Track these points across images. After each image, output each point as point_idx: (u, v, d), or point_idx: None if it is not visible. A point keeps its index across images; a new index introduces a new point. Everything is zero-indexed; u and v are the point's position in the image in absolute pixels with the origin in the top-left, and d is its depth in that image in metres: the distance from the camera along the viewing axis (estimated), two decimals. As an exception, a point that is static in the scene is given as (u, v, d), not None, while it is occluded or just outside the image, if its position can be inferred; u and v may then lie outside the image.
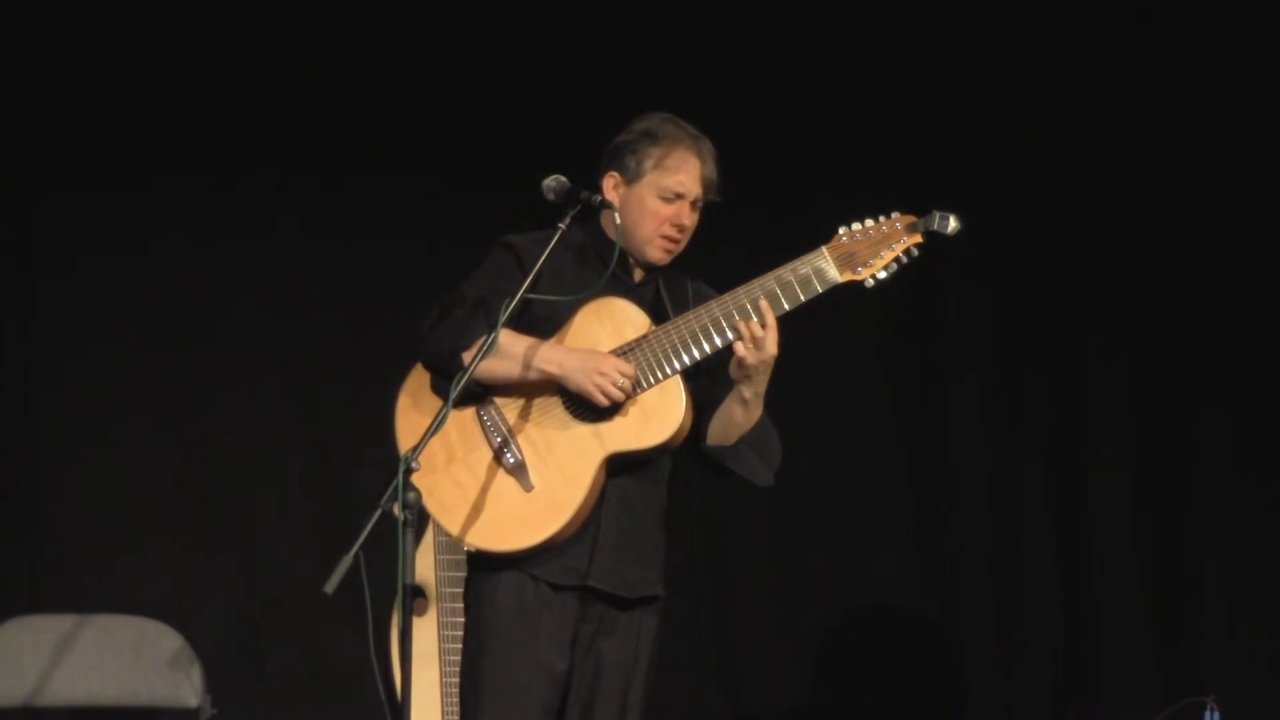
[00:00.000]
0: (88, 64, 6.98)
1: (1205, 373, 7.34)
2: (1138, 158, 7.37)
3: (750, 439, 4.93)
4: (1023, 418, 7.41)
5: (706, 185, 4.94)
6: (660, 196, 4.91)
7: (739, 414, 4.89)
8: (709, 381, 4.92)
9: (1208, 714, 6.27)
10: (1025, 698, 7.34)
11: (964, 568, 7.37)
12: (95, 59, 6.98)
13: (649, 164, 4.91)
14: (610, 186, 4.95)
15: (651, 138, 4.93)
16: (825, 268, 4.85)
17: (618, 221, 4.90)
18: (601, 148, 5.06)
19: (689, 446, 4.97)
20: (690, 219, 4.94)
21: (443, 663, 6.25)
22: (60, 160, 6.97)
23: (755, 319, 4.78)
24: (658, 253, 4.95)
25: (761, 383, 4.84)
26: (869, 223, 4.87)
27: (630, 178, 4.93)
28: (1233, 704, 6.41)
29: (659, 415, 4.82)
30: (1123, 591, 7.32)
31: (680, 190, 4.91)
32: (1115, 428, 7.37)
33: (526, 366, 4.83)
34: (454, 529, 4.87)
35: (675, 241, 4.94)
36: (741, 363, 4.80)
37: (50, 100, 6.98)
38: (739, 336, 4.78)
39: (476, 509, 4.85)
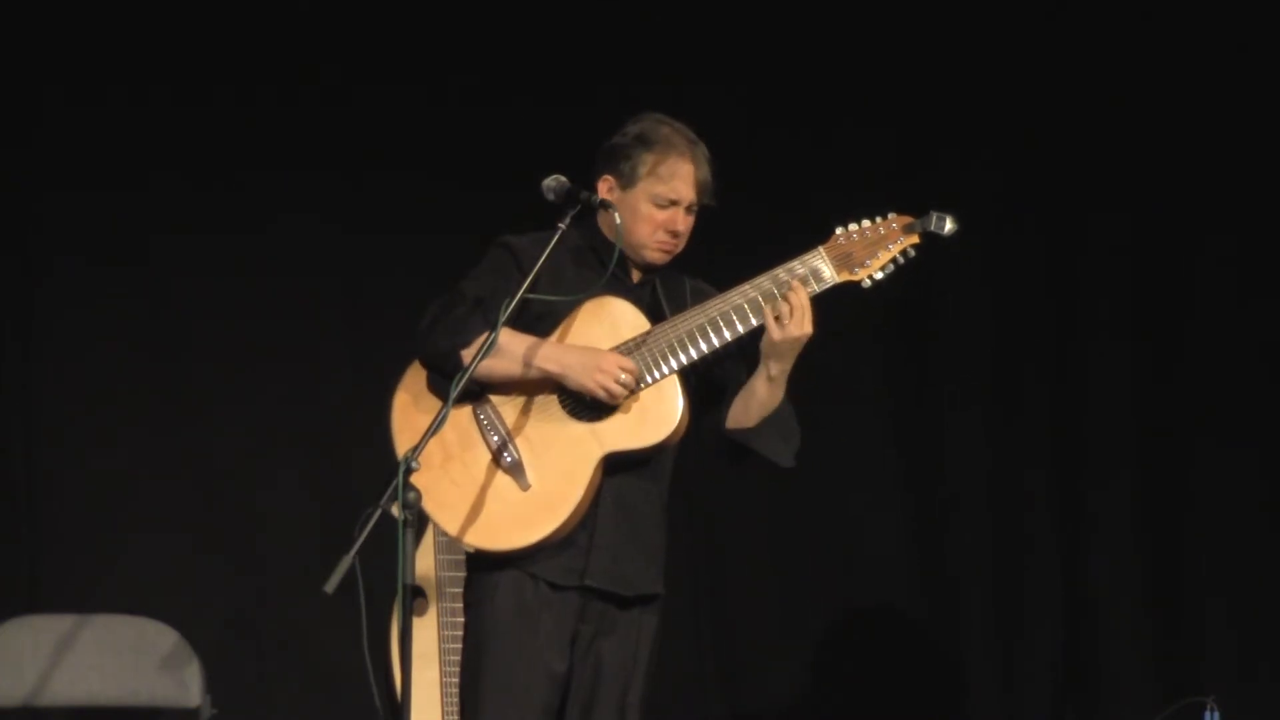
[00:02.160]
0: (88, 65, 6.98)
1: (1205, 372, 7.34)
2: (1138, 158, 7.36)
3: (772, 420, 4.93)
4: (1023, 418, 7.41)
5: (701, 190, 4.93)
6: (654, 203, 4.91)
7: (763, 391, 4.90)
8: (722, 363, 4.92)
9: (1208, 714, 6.27)
10: (1025, 698, 7.34)
11: (964, 568, 7.36)
12: (95, 60, 6.98)
13: (643, 170, 4.91)
14: (605, 189, 4.94)
15: (646, 143, 4.92)
16: (822, 268, 4.86)
17: (617, 221, 4.90)
18: (601, 148, 5.07)
19: (708, 434, 4.98)
20: (684, 223, 4.93)
21: (443, 663, 6.25)
22: (60, 161, 6.97)
23: (785, 301, 4.79)
24: (655, 254, 4.95)
25: (789, 360, 4.85)
26: (866, 223, 4.88)
27: (625, 183, 4.93)
28: (1233, 704, 6.40)
29: (656, 414, 4.82)
30: (1123, 591, 7.32)
31: (674, 197, 4.91)
32: (1115, 428, 7.37)
33: (526, 365, 4.84)
34: (452, 528, 4.87)
35: (671, 246, 4.95)
36: (769, 338, 4.80)
37: (50, 101, 6.98)
38: (775, 315, 4.78)
39: (474, 508, 4.85)
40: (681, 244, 4.96)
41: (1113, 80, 7.31)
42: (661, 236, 4.92)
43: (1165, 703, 6.70)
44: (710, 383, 4.96)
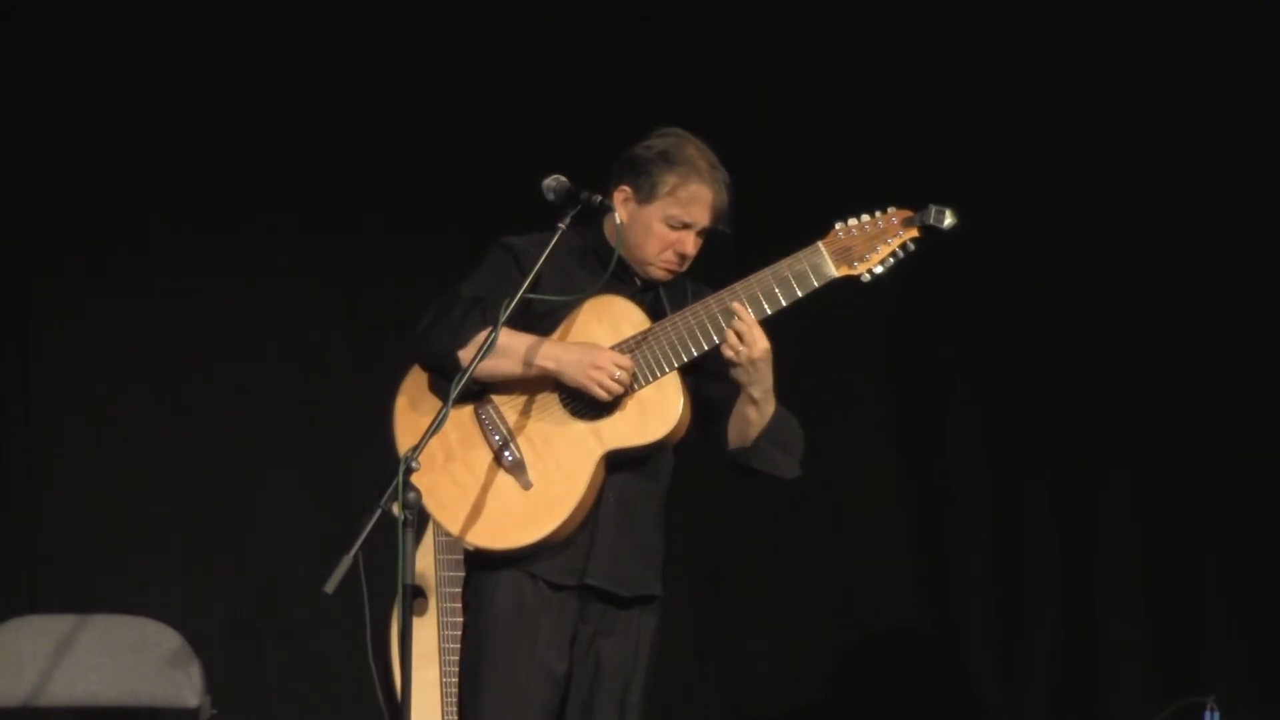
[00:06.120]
0: (87, 64, 6.98)
1: (1206, 373, 7.33)
2: (1137, 158, 7.36)
3: (770, 434, 4.93)
4: (1023, 419, 7.40)
5: (716, 216, 4.93)
6: (668, 223, 4.91)
7: (752, 414, 4.90)
8: (716, 380, 4.92)
9: (1208, 714, 6.26)
10: (1025, 698, 7.33)
11: (964, 568, 7.36)
12: (94, 60, 6.99)
13: (663, 190, 4.89)
14: (620, 200, 4.93)
15: (669, 162, 4.90)
16: (822, 263, 4.85)
17: (619, 221, 4.91)
18: (601, 147, 5.07)
19: (715, 449, 4.99)
20: (694, 246, 4.94)
21: (443, 663, 6.25)
22: (58, 160, 6.98)
23: (731, 328, 4.80)
24: (658, 272, 4.96)
25: (766, 379, 4.85)
26: (865, 218, 4.88)
27: (642, 198, 4.92)
28: (1233, 704, 6.40)
29: (657, 411, 4.83)
30: (1123, 591, 7.32)
31: (689, 221, 4.91)
32: (1115, 428, 7.37)
33: (524, 363, 4.84)
34: (453, 527, 4.88)
35: (676, 266, 4.95)
36: (732, 365, 4.81)
37: (50, 101, 6.98)
38: (724, 340, 4.80)
39: (475, 507, 4.85)
40: (687, 265, 4.96)
41: (1113, 80, 7.31)
42: (669, 256, 4.93)
43: (1165, 703, 6.70)
44: (700, 401, 4.95)
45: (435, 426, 4.64)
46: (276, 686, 7.02)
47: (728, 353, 4.80)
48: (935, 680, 7.36)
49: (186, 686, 6.38)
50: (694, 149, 4.93)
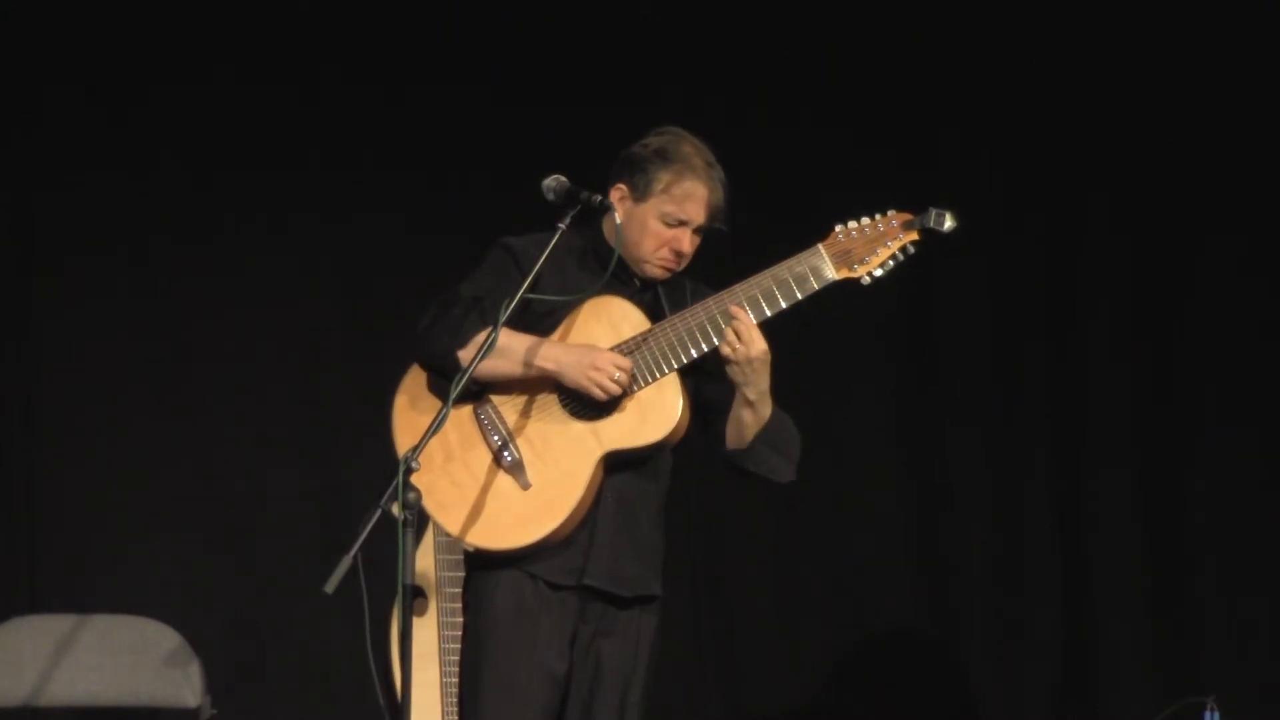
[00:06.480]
0: (88, 63, 6.98)
1: (1206, 373, 7.34)
2: (1137, 157, 7.36)
3: (766, 437, 4.93)
4: (1023, 418, 7.40)
5: (712, 214, 4.93)
6: (663, 220, 4.92)
7: (748, 416, 4.90)
8: (715, 381, 4.93)
9: (1208, 714, 6.26)
10: (1025, 698, 7.34)
11: (964, 567, 7.36)
12: (95, 59, 6.99)
13: (658, 187, 4.90)
14: (617, 198, 4.94)
15: (664, 159, 4.91)
16: (821, 265, 4.86)
17: (618, 221, 4.91)
18: (602, 149, 5.07)
19: (712, 449, 4.99)
20: (690, 244, 4.94)
21: (443, 663, 6.25)
22: (60, 161, 6.98)
23: (730, 329, 4.80)
24: (655, 270, 4.96)
25: (762, 381, 4.85)
26: (865, 220, 4.88)
27: (638, 195, 4.92)
28: (1233, 704, 6.40)
29: (656, 412, 4.83)
30: (1123, 591, 7.32)
31: (684, 218, 4.91)
32: (1116, 427, 7.37)
33: (524, 364, 4.85)
34: (452, 528, 4.88)
35: (673, 264, 4.95)
36: (730, 365, 4.81)
37: (50, 100, 6.98)
38: (724, 340, 4.80)
39: (475, 508, 4.85)
40: (684, 263, 4.96)
41: (1113, 80, 7.31)
42: (665, 254, 4.93)
43: (1165, 703, 6.70)
44: (699, 401, 4.96)
45: (435, 427, 4.64)
46: (276, 686, 7.02)
47: (725, 350, 4.80)
48: (935, 680, 7.36)
49: (186, 686, 6.38)
50: (690, 146, 4.94)
